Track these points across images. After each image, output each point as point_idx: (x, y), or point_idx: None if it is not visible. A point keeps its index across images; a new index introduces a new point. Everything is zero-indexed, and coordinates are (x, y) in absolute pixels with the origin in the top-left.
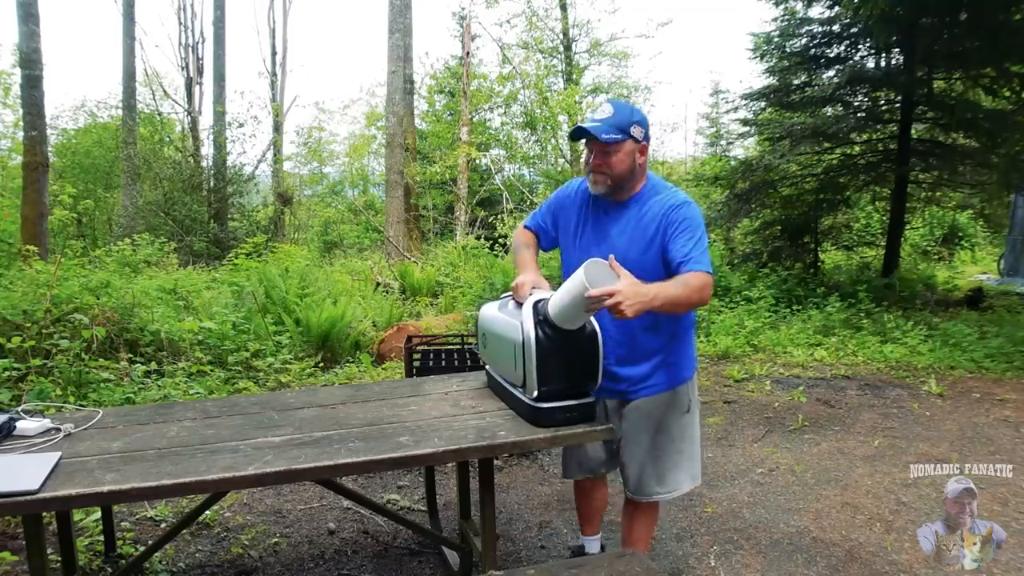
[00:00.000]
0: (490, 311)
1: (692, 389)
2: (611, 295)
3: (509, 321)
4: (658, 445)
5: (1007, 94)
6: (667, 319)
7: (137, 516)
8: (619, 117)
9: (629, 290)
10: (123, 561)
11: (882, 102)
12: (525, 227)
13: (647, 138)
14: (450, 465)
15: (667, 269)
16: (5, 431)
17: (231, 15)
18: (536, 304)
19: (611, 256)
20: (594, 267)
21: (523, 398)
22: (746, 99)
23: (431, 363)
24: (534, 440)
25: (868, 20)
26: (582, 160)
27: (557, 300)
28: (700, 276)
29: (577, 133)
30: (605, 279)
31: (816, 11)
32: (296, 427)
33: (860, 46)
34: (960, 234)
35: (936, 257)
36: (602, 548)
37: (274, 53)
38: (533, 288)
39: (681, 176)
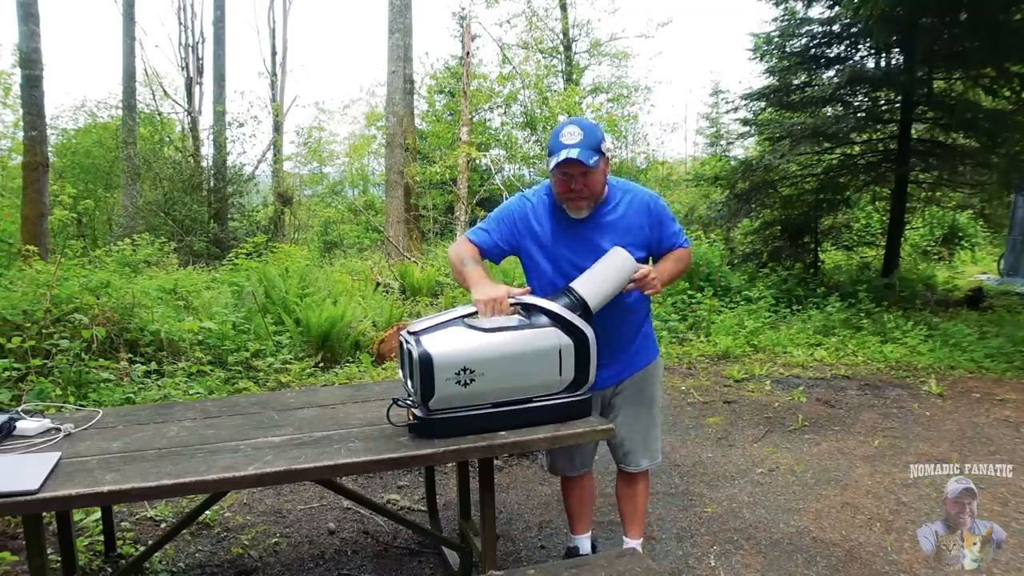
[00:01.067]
0: (473, 339)
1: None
2: (649, 273)
3: (535, 333)
4: (644, 416)
5: (1007, 94)
6: (641, 300)
7: (137, 516)
8: (591, 138)
9: (652, 270)
10: (123, 561)
11: (882, 102)
12: (470, 240)
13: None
14: (450, 465)
15: (657, 251)
16: (5, 431)
17: (231, 15)
18: (570, 297)
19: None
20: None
21: (553, 401)
22: (746, 99)
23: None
24: (534, 440)
25: (868, 20)
26: (553, 184)
27: (600, 286)
28: (685, 251)
29: (567, 163)
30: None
31: (816, 11)
32: (296, 427)
33: (860, 46)
34: (960, 234)
35: (936, 257)
36: (593, 547)
37: (274, 53)
38: (513, 295)
39: (681, 176)
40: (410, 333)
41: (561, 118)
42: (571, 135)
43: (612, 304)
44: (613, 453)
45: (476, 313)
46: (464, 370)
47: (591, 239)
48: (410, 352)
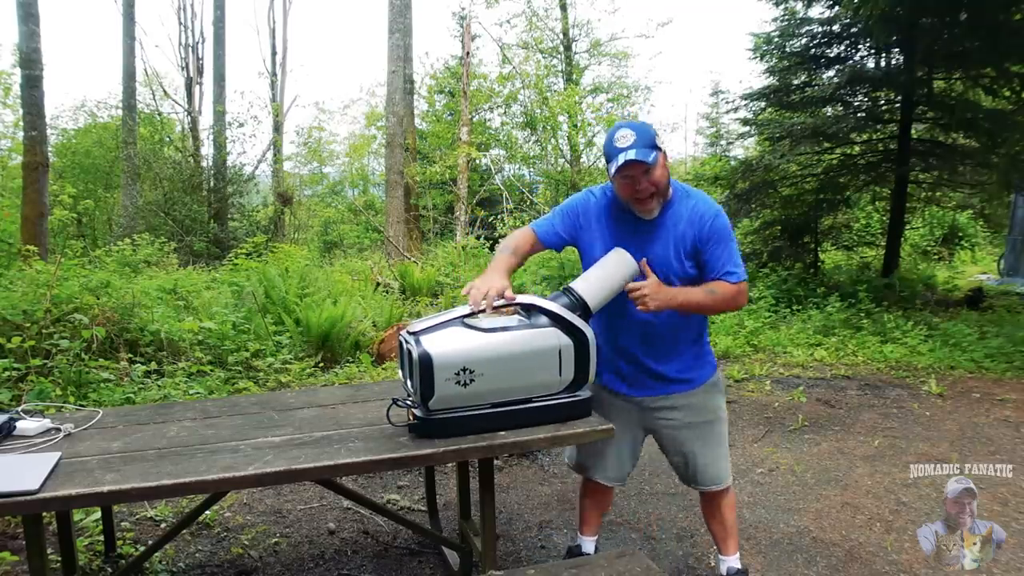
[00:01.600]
0: (472, 339)
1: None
2: (640, 287)
3: (535, 333)
4: (720, 433)
5: (1007, 94)
6: (695, 317)
7: (137, 516)
8: (644, 136)
9: (655, 288)
10: (123, 561)
11: (882, 102)
12: (532, 228)
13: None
14: (450, 465)
15: (701, 276)
16: (5, 431)
17: (231, 15)
18: (570, 297)
19: (643, 259)
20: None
21: (553, 401)
22: (746, 99)
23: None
24: (534, 440)
25: (868, 20)
26: (617, 190)
27: (600, 287)
28: (729, 286)
29: (627, 165)
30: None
31: (816, 11)
32: (296, 427)
33: (860, 46)
34: (960, 234)
35: (936, 257)
36: (595, 548)
37: (274, 53)
38: (501, 296)
39: (681, 176)
40: (410, 333)
41: (561, 118)
42: (624, 138)
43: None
44: (681, 474)
45: (476, 313)
46: (464, 370)
47: (644, 241)
48: (410, 352)
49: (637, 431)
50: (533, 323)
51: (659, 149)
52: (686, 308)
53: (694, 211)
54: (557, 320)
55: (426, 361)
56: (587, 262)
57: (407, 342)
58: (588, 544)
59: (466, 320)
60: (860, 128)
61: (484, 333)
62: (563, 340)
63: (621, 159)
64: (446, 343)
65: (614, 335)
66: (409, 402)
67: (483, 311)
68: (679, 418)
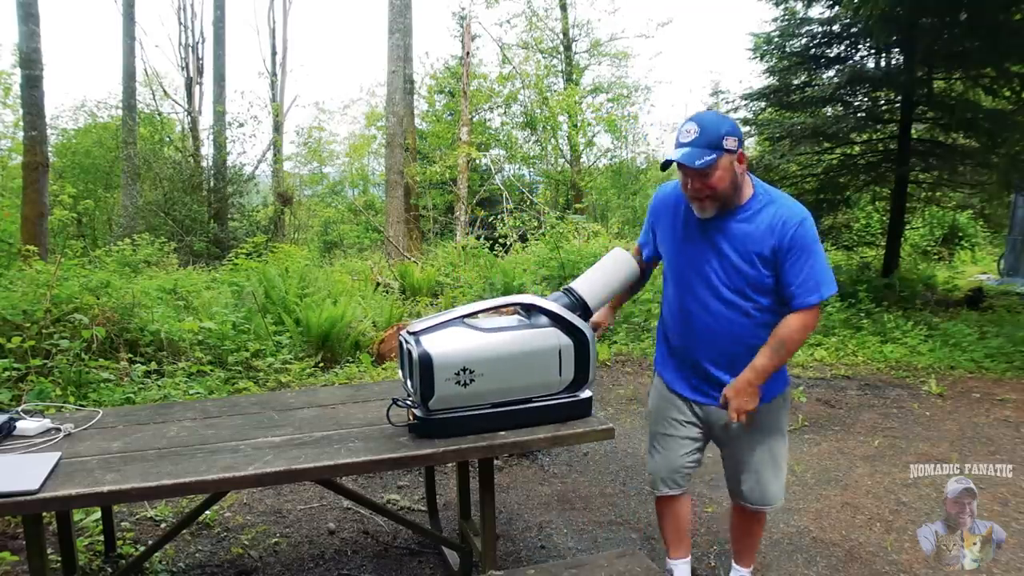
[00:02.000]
0: (472, 339)
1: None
2: (727, 403)
3: (535, 333)
4: (767, 451)
5: (1007, 94)
6: (763, 326)
7: (137, 516)
8: (708, 134)
9: (735, 390)
10: (123, 561)
11: (882, 102)
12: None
13: (741, 144)
14: (450, 465)
15: (777, 288)
16: (5, 431)
17: (231, 15)
18: (570, 297)
19: (722, 398)
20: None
21: (554, 401)
22: (746, 99)
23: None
24: (534, 440)
25: (868, 20)
26: (680, 183)
27: (600, 286)
28: (797, 318)
29: (667, 166)
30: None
31: (816, 11)
32: (296, 427)
33: (860, 46)
34: (960, 234)
35: (936, 257)
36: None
37: (274, 53)
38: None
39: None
40: (410, 333)
41: (561, 118)
42: (686, 133)
43: (735, 311)
44: (732, 488)
45: (476, 313)
46: (464, 370)
47: (713, 243)
48: (410, 352)
49: (699, 437)
50: (533, 323)
51: (724, 151)
52: (767, 375)
53: (776, 217)
54: (557, 320)
55: (426, 361)
56: (667, 263)
57: (407, 342)
58: (680, 567)
59: (466, 320)
60: (860, 128)
61: (484, 333)
62: (563, 340)
63: (665, 158)
64: (446, 343)
65: (678, 338)
66: (409, 402)
67: (487, 309)
68: (741, 432)
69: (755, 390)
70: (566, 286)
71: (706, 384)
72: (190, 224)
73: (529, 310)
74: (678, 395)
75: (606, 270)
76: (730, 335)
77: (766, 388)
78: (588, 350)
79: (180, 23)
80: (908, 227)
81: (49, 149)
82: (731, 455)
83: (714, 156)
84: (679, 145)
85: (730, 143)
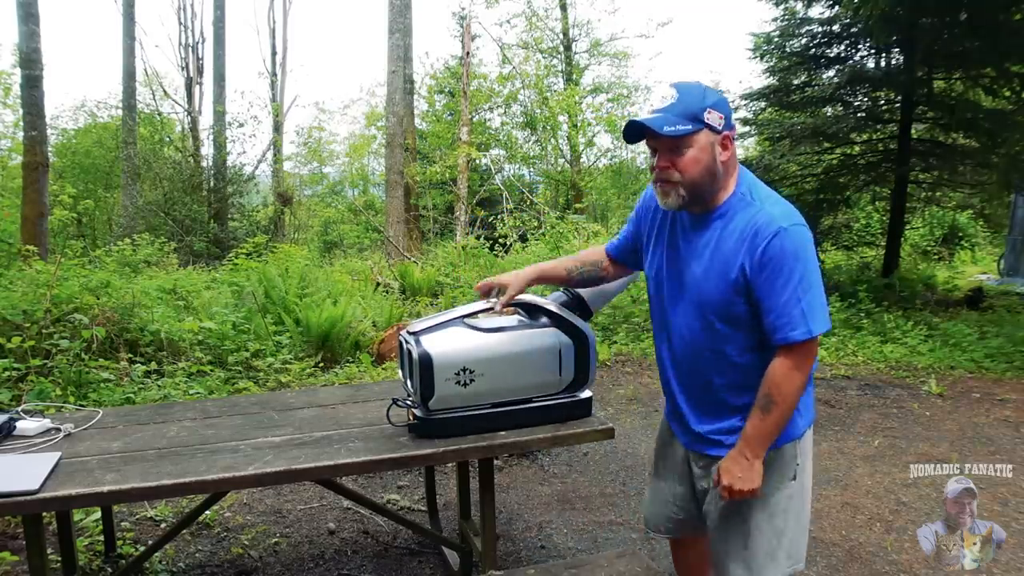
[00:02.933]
0: (472, 339)
1: (801, 449)
2: (737, 494)
3: (534, 332)
4: (750, 519)
5: (1007, 94)
6: (752, 369)
7: (137, 516)
8: (687, 102)
9: (727, 469)
10: (123, 561)
11: (882, 102)
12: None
13: (730, 126)
14: (450, 465)
15: (754, 320)
16: (5, 431)
17: (231, 15)
18: (568, 296)
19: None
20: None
21: (553, 401)
22: (746, 99)
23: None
24: (534, 440)
25: (868, 20)
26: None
27: (601, 286)
28: (781, 362)
29: (631, 129)
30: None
31: (816, 11)
32: (296, 427)
33: (860, 46)
34: (960, 234)
35: (936, 257)
36: None
37: (274, 53)
38: (498, 288)
39: None
40: (410, 333)
41: (561, 118)
42: (663, 99)
43: (702, 343)
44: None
45: (476, 313)
46: (464, 370)
47: (682, 255)
48: (410, 352)
49: (685, 479)
50: (533, 323)
51: (708, 126)
52: (764, 442)
53: (749, 224)
54: (557, 320)
55: (426, 361)
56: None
57: (407, 342)
58: None
59: (466, 320)
60: (860, 128)
61: (484, 333)
62: (563, 340)
63: (629, 119)
64: (446, 343)
65: (658, 361)
66: (409, 402)
67: (487, 309)
68: (713, 493)
69: (749, 465)
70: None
71: (682, 425)
72: (190, 224)
73: (529, 310)
74: (672, 431)
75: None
76: (697, 372)
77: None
78: (588, 350)
79: (180, 23)
80: (908, 227)
81: (49, 149)
82: (709, 513)
83: (689, 127)
84: (652, 112)
85: (712, 118)
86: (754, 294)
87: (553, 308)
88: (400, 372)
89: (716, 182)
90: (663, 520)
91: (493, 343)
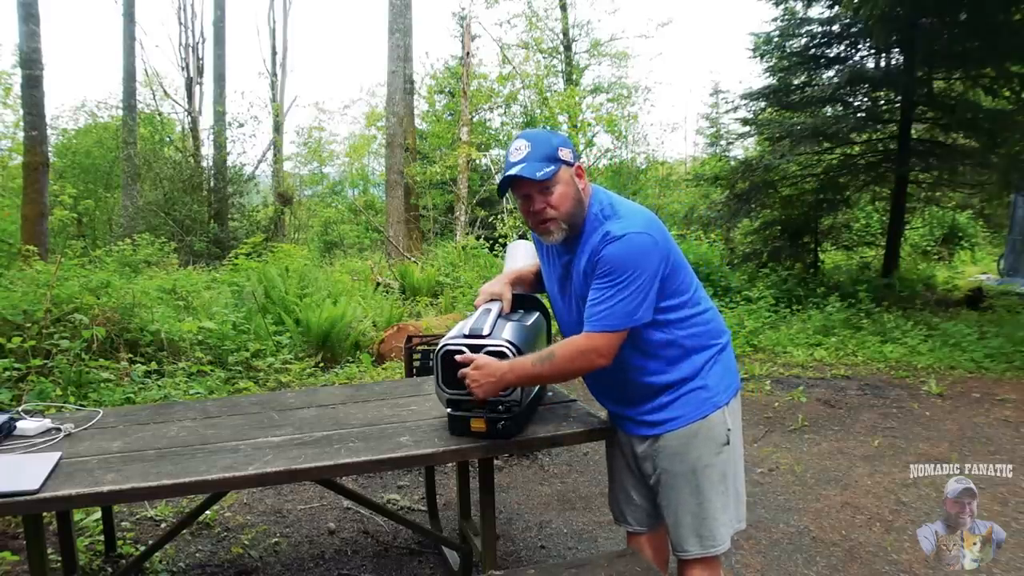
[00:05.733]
0: (520, 330)
1: (729, 416)
2: (465, 374)
3: (539, 316)
4: (697, 490)
5: (1007, 94)
6: (673, 355)
7: (137, 516)
8: (541, 147)
9: (477, 371)
10: (123, 561)
11: (882, 102)
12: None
13: (577, 157)
14: (450, 465)
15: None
16: (5, 431)
17: (231, 15)
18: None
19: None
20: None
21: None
22: (746, 99)
23: (431, 363)
24: (534, 440)
25: (868, 20)
26: (522, 211)
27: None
28: (576, 342)
29: (504, 185)
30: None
31: (816, 11)
32: (296, 427)
33: (860, 46)
34: (960, 234)
35: (936, 257)
36: None
37: (274, 53)
38: (493, 297)
39: (681, 176)
40: (474, 337)
41: (561, 118)
42: (517, 151)
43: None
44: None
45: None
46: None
47: (560, 280)
48: (495, 354)
49: (633, 465)
50: (530, 311)
51: (564, 162)
52: (522, 383)
53: (594, 239)
54: (540, 306)
55: (517, 355)
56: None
57: (471, 348)
58: None
59: (505, 315)
60: (860, 128)
61: (523, 324)
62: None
63: (502, 177)
64: (515, 335)
65: (584, 379)
66: (501, 409)
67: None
68: (659, 464)
69: (494, 380)
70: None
71: (616, 417)
72: (190, 224)
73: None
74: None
75: (518, 255)
76: (603, 375)
77: (670, 411)
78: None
79: (180, 23)
80: (908, 227)
81: (49, 149)
82: (659, 491)
83: (553, 167)
84: (511, 165)
85: (565, 154)
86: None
87: (539, 298)
88: (440, 386)
89: (583, 209)
90: (642, 515)
91: (534, 330)
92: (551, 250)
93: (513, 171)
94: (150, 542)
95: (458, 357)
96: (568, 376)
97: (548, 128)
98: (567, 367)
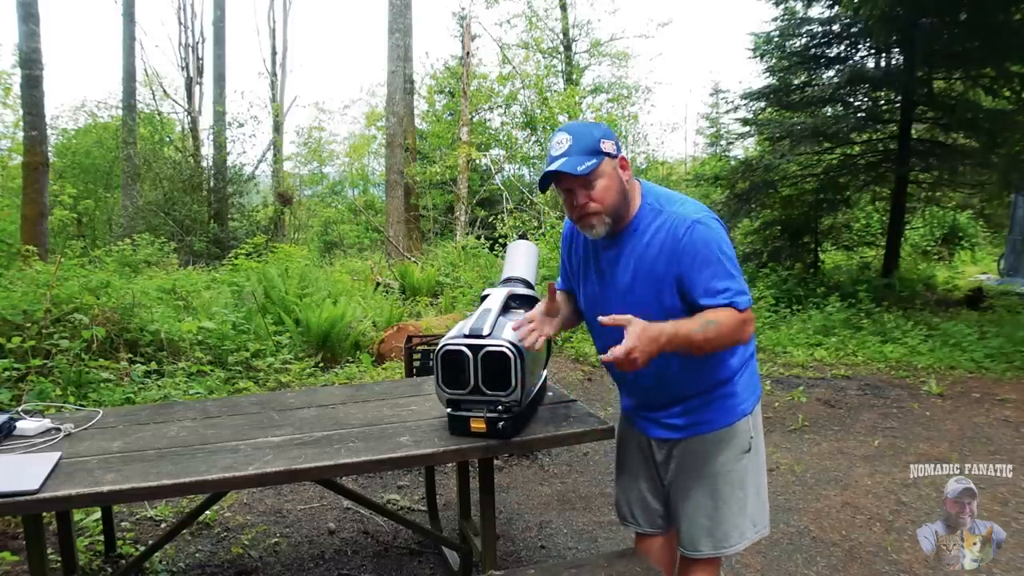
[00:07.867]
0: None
1: (753, 423)
2: (619, 351)
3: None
4: (715, 493)
5: (1007, 94)
6: (719, 357)
7: (137, 516)
8: (582, 140)
9: (636, 338)
10: (123, 561)
11: (882, 102)
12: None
13: (619, 148)
14: (450, 465)
15: (691, 310)
16: (5, 431)
17: (231, 15)
18: (520, 282)
19: (612, 316)
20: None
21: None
22: (746, 99)
23: (431, 363)
24: (534, 440)
25: (868, 20)
26: (565, 205)
27: (524, 265)
28: (727, 313)
29: (546, 181)
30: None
31: (816, 11)
32: (296, 427)
33: (860, 46)
34: (960, 234)
35: (936, 257)
36: None
37: (274, 53)
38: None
39: (681, 176)
40: (474, 337)
41: (561, 118)
42: (559, 145)
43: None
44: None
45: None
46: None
47: (612, 273)
48: (491, 354)
49: (650, 467)
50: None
51: (606, 155)
52: (675, 347)
53: (663, 228)
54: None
55: (519, 355)
56: (582, 304)
57: (471, 348)
58: None
59: (504, 312)
60: (860, 128)
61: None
62: None
63: (545, 172)
64: (514, 335)
65: (615, 376)
66: (500, 408)
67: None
68: (673, 467)
69: (652, 343)
70: (505, 277)
71: (641, 417)
72: (190, 224)
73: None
74: (629, 422)
75: (518, 254)
76: (644, 373)
77: (698, 416)
78: None
79: (180, 23)
80: (908, 227)
81: (49, 149)
82: (674, 492)
83: (595, 161)
84: (553, 159)
85: (608, 146)
86: (684, 284)
87: (535, 294)
88: (439, 389)
89: (628, 201)
90: (631, 510)
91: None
92: (588, 244)
93: (554, 166)
94: (150, 542)
95: (603, 320)
96: (722, 346)
97: (590, 121)
98: (731, 335)
